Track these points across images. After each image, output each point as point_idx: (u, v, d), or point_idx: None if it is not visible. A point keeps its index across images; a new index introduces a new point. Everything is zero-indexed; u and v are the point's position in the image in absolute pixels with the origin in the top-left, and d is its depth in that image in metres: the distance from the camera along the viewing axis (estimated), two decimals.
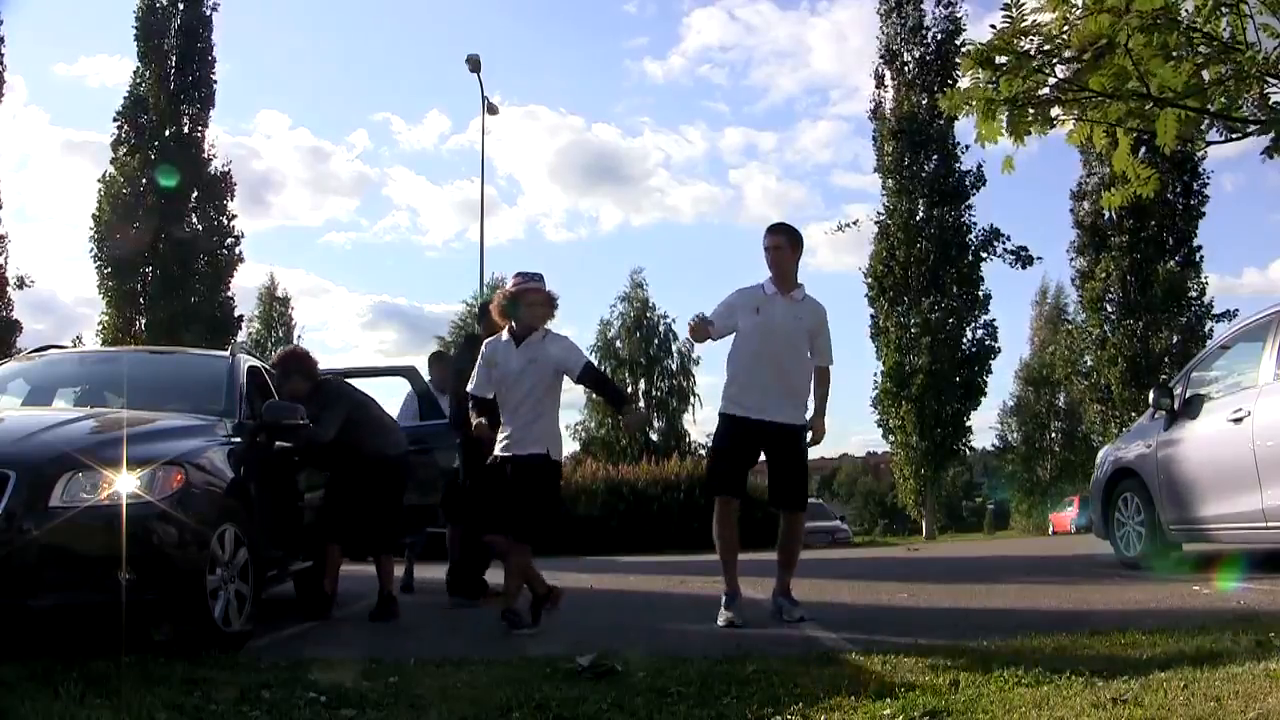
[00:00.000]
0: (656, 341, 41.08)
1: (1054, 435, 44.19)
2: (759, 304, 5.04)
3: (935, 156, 25.98)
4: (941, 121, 25.49)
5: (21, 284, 22.49)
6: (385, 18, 73.83)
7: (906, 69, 26.35)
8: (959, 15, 26.43)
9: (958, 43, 26.07)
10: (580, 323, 61.26)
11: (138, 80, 24.65)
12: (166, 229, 23.73)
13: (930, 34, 26.33)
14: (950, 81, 24.88)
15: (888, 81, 26.65)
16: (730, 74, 74.88)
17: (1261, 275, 64.40)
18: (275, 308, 42.11)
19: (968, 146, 25.66)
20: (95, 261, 23.77)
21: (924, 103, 25.58)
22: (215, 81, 25.27)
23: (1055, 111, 4.43)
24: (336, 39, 72.35)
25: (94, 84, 62.25)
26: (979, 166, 25.67)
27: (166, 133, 24.34)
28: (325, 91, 73.53)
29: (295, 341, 41.60)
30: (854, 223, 26.02)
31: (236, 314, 25.38)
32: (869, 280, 26.36)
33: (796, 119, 77.88)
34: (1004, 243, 25.57)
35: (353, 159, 68.33)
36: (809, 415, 5.09)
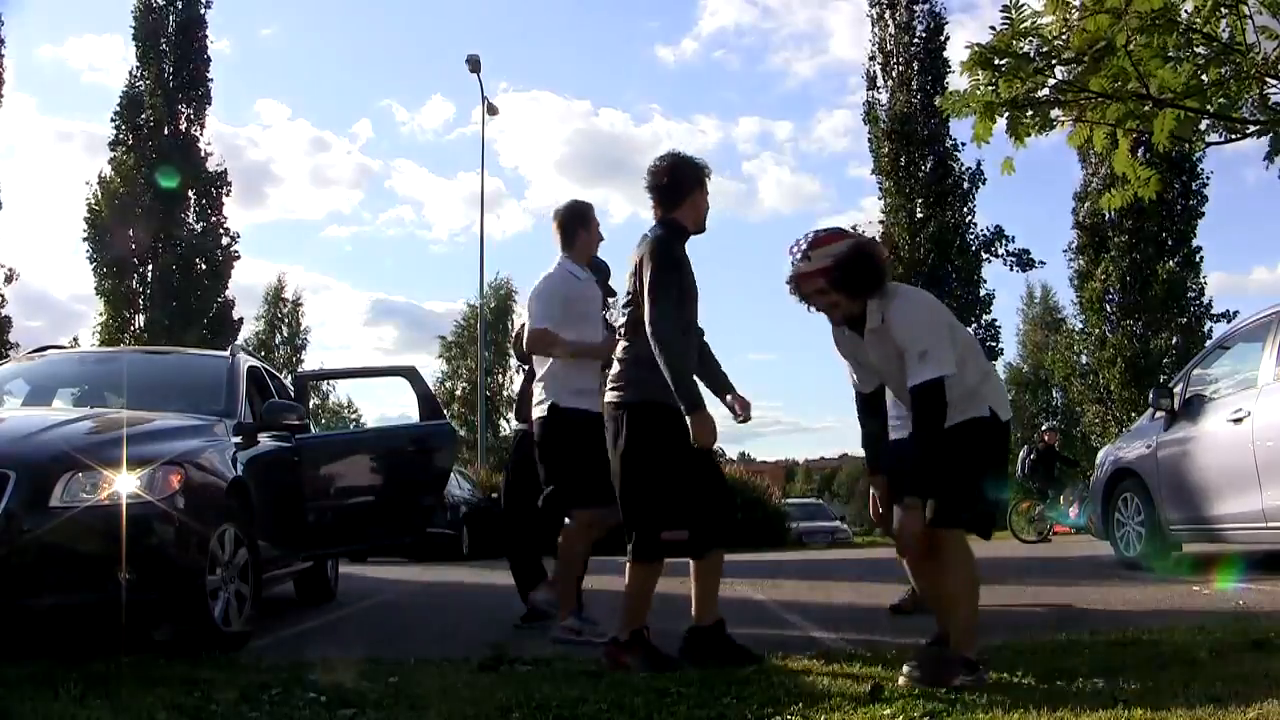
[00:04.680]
0: None
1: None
2: None
3: (931, 157, 25.96)
4: (935, 121, 25.48)
5: (9, 278, 22.41)
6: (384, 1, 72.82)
7: (898, 69, 26.33)
8: (938, 10, 26.44)
9: (942, 38, 26.13)
10: None
11: (134, 80, 24.64)
12: (165, 229, 23.72)
13: (915, 32, 26.32)
14: (942, 82, 24.92)
15: (880, 82, 26.62)
16: (745, 59, 73.49)
17: (1271, 274, 63.30)
18: (281, 308, 41.88)
19: (964, 144, 25.63)
20: (91, 262, 23.73)
21: (915, 102, 25.57)
22: (211, 80, 25.30)
23: (1055, 113, 4.43)
24: (336, 22, 71.48)
25: (79, 65, 61.09)
26: (979, 164, 25.63)
27: (165, 132, 24.33)
28: (325, 78, 72.74)
29: (300, 343, 41.35)
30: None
31: (236, 316, 25.31)
32: None
33: (813, 107, 76.29)
34: (1007, 244, 25.56)
35: (354, 150, 67.60)
36: None
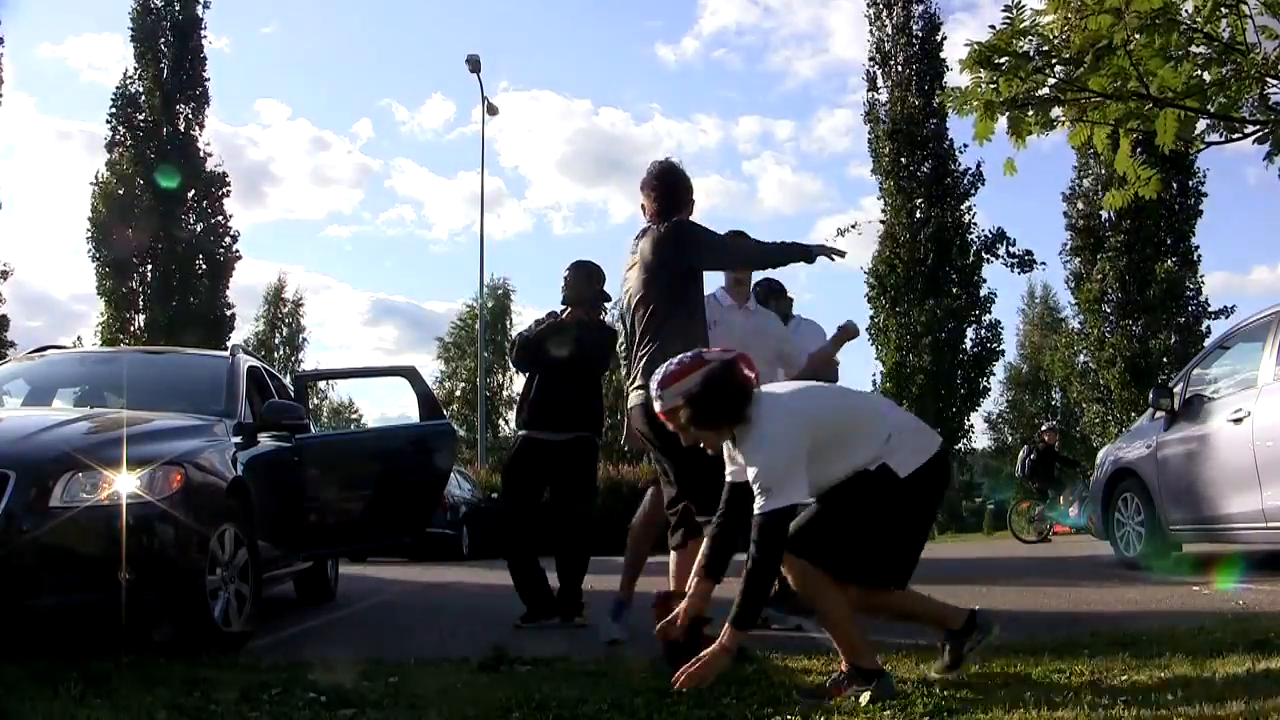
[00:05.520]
0: None
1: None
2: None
3: (931, 158, 25.97)
4: (935, 121, 25.48)
5: (4, 274, 22.45)
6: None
7: (897, 70, 26.35)
8: (934, 11, 26.49)
9: (938, 38, 26.16)
10: None
11: (130, 80, 24.63)
12: (165, 229, 23.73)
13: (913, 33, 26.35)
14: (940, 81, 24.91)
15: (880, 83, 26.63)
16: (746, 59, 73.05)
17: (1271, 274, 62.83)
18: (281, 308, 41.87)
19: (965, 146, 25.65)
20: (93, 262, 23.79)
21: (915, 103, 25.58)
22: (209, 80, 25.29)
23: (1056, 112, 4.42)
24: (336, 21, 70.87)
25: (79, 64, 60.67)
26: (979, 166, 25.64)
27: (163, 132, 24.32)
28: (325, 78, 72.12)
29: (299, 344, 41.40)
30: (853, 226, 26.08)
31: (230, 314, 25.26)
32: (870, 280, 26.38)
33: (814, 106, 75.75)
34: (1009, 246, 25.58)
35: (354, 150, 67.20)
36: None
